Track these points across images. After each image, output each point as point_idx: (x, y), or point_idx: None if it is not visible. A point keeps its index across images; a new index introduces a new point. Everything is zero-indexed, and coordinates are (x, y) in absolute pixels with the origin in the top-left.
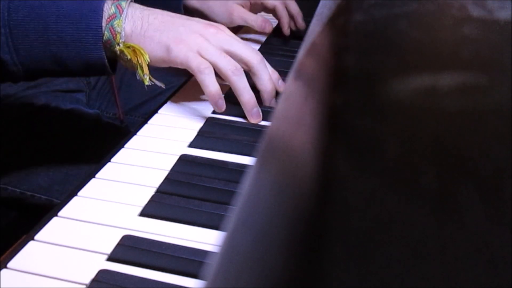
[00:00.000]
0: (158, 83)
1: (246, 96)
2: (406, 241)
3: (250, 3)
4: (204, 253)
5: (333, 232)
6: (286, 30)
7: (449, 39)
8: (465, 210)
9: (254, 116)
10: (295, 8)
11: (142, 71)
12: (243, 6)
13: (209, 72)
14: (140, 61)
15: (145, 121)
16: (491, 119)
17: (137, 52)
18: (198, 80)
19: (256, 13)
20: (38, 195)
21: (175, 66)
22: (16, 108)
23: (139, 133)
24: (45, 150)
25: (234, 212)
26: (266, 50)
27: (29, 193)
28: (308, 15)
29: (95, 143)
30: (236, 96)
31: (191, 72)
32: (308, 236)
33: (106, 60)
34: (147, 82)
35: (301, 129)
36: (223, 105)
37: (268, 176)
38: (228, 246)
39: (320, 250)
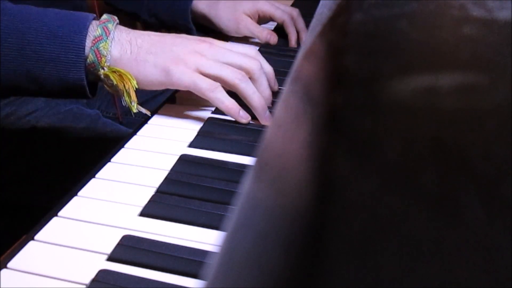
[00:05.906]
0: (144, 111)
1: (256, 100)
2: (406, 241)
3: (259, 15)
4: (204, 253)
5: (333, 232)
6: (294, 44)
7: (449, 39)
8: (465, 210)
9: (268, 119)
10: (301, 26)
11: (130, 97)
12: (251, 17)
13: (220, 89)
14: (127, 87)
15: (145, 121)
16: (491, 119)
17: (124, 77)
18: (210, 100)
19: (264, 23)
20: (38, 195)
21: (178, 88)
22: (16, 108)
23: (139, 133)
24: (45, 150)
25: (234, 212)
26: (266, 50)
27: (29, 193)
28: (308, 15)
29: (95, 143)
30: (247, 102)
31: (198, 94)
32: (308, 236)
33: (86, 82)
34: (134, 110)
35: (300, 131)
36: (246, 115)
37: (268, 177)
38: (228, 246)
39: (320, 250)
